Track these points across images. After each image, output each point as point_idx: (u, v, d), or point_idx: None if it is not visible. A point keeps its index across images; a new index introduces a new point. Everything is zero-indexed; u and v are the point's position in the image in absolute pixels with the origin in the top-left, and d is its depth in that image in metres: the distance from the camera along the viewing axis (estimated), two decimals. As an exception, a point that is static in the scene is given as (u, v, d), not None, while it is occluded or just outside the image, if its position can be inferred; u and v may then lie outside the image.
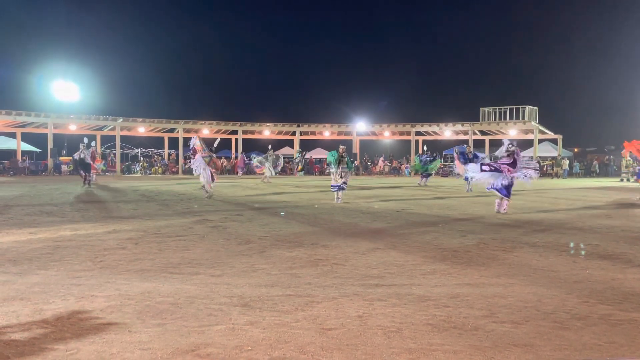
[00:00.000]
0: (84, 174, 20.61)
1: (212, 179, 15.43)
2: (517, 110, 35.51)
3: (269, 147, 25.39)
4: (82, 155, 20.59)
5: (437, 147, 42.43)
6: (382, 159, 41.91)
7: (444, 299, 4.59)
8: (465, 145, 19.36)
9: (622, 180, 29.06)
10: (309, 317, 4.07)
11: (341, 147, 14.30)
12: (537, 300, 4.59)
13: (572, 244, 6.82)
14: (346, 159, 14.15)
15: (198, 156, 15.29)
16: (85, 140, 21.15)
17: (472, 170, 12.55)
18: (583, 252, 6.44)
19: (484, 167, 11.87)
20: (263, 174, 24.67)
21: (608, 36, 53.42)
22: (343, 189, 14.08)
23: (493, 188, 11.75)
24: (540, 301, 4.55)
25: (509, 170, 11.50)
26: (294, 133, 41.54)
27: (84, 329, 3.75)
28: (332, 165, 14.12)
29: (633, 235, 8.51)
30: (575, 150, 47.99)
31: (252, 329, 3.79)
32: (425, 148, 24.16)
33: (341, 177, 13.95)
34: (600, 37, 55.35)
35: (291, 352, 3.36)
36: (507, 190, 11.59)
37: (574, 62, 53.46)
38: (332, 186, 14.19)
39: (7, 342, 3.49)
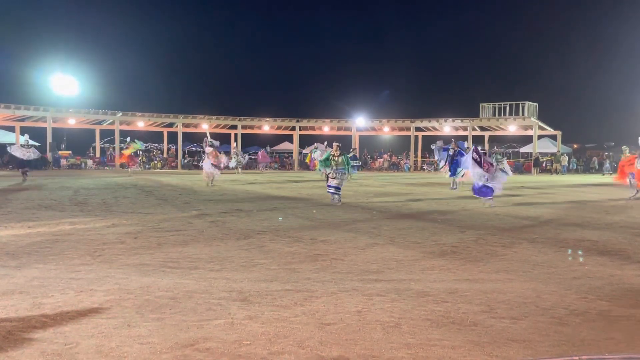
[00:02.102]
0: (22, 169, 19.78)
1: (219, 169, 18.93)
2: (517, 106, 35.48)
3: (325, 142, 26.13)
4: (22, 153, 19.59)
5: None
6: (387, 154, 41.89)
7: (443, 295, 4.59)
8: (452, 141, 18.68)
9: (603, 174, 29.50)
10: (308, 312, 4.08)
11: (335, 144, 12.78)
12: (535, 296, 4.59)
13: (570, 251, 6.83)
14: (342, 158, 12.42)
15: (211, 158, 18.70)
16: (26, 136, 20.71)
17: (464, 163, 12.67)
18: (582, 259, 6.45)
19: (474, 156, 12.00)
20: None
21: (608, 33, 53.29)
22: (337, 192, 12.37)
23: (477, 191, 12.10)
24: (539, 297, 4.55)
25: (488, 169, 11.76)
26: (293, 128, 41.47)
27: (83, 323, 3.75)
28: (323, 167, 12.91)
29: (632, 231, 8.52)
30: (575, 146, 47.99)
31: (251, 323, 3.79)
32: (468, 143, 23.53)
33: (334, 178, 12.34)
34: (600, 34, 55.26)
35: (290, 346, 3.37)
36: (485, 190, 11.83)
37: (574, 58, 53.38)
38: (328, 186, 12.73)
39: (5, 335, 3.49)
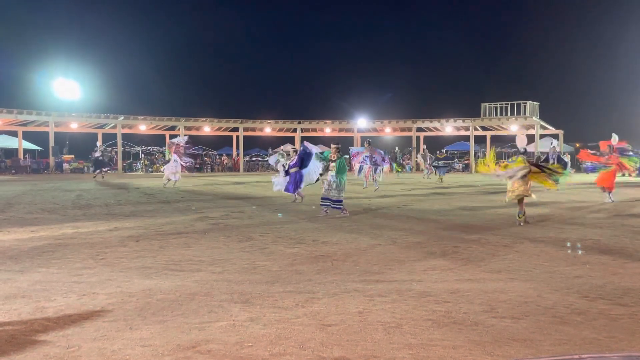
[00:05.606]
0: (98, 170, 24.55)
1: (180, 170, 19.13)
2: (519, 105, 35.48)
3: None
4: (97, 155, 24.57)
5: (437, 143, 42.36)
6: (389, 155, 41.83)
7: (444, 295, 4.59)
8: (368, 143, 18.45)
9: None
10: (310, 313, 4.08)
11: (333, 146, 10.72)
12: (537, 295, 4.59)
13: (568, 244, 6.84)
14: (338, 162, 10.36)
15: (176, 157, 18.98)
16: (98, 143, 26.21)
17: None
18: (580, 252, 6.45)
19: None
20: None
21: (609, 32, 53.30)
22: (334, 206, 10.31)
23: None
24: (540, 296, 4.55)
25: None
26: (295, 130, 41.54)
27: (85, 326, 3.77)
28: (321, 168, 11.38)
29: (633, 230, 8.51)
30: (577, 145, 47.88)
31: (252, 325, 3.80)
32: (554, 143, 21.48)
33: (328, 188, 10.40)
34: (601, 33, 55.22)
35: (291, 348, 3.38)
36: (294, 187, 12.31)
37: (575, 57, 53.35)
38: (321, 199, 10.62)
39: (8, 339, 3.51)
